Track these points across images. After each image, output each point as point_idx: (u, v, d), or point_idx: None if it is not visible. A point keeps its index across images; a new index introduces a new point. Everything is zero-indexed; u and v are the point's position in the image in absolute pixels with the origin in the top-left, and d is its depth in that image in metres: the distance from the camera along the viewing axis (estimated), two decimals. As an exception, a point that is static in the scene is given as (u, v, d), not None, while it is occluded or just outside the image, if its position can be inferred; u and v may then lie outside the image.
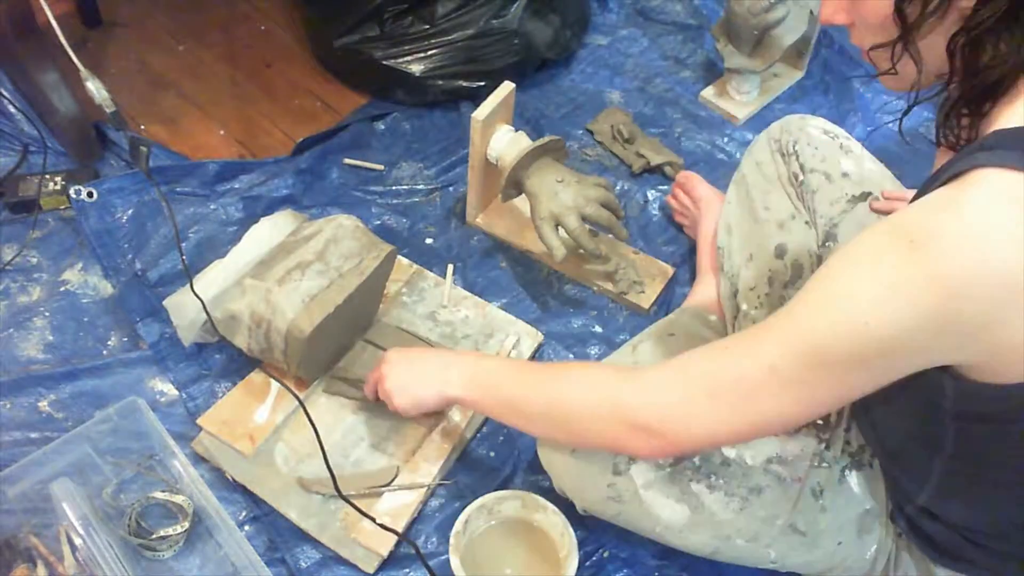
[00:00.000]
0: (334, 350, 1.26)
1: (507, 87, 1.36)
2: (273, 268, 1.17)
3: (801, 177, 1.17)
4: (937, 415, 0.77)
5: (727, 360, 0.78)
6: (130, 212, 1.45)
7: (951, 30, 0.73)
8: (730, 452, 0.94)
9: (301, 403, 1.18)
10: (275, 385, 1.23)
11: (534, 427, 0.97)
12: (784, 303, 1.08)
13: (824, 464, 0.95)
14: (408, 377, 1.05)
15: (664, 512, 0.95)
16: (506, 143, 1.36)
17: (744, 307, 1.17)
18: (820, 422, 0.97)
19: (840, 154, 1.16)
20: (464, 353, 1.09)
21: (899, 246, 0.67)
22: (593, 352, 1.36)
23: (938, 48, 0.74)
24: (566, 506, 1.07)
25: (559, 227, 1.33)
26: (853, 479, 0.96)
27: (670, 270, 1.44)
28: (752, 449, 0.94)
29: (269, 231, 1.26)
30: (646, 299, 1.40)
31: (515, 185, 1.37)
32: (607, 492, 0.97)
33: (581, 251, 1.36)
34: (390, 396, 1.06)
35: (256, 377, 1.24)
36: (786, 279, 1.14)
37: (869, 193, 1.13)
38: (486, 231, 1.50)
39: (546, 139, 1.34)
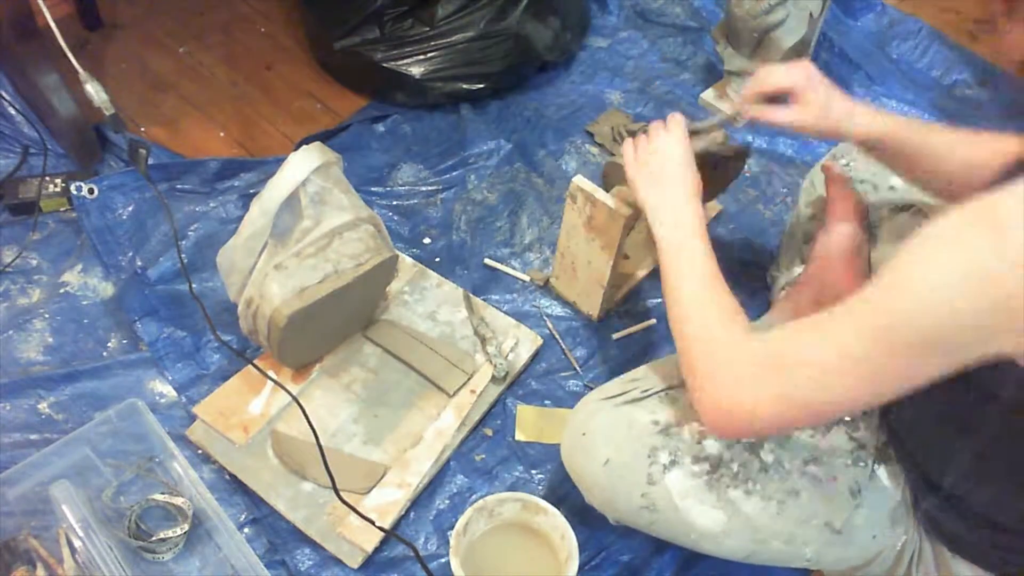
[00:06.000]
0: (321, 341, 1.27)
1: None
2: (277, 253, 1.15)
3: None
4: (985, 402, 0.76)
5: (800, 342, 0.76)
6: (131, 209, 1.45)
7: None
8: (768, 457, 0.94)
9: (295, 398, 1.18)
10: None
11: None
12: None
13: (860, 463, 0.95)
14: (658, 181, 1.03)
15: (700, 519, 0.94)
16: None
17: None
18: (849, 419, 0.98)
19: (891, 175, 1.20)
20: (691, 233, 0.97)
21: (983, 230, 0.65)
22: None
23: None
24: (567, 508, 1.07)
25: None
26: (882, 472, 0.96)
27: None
28: (788, 452, 0.94)
29: (302, 162, 1.15)
30: None
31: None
32: (640, 502, 0.96)
33: None
34: (643, 163, 1.06)
35: (254, 369, 1.25)
36: None
37: (912, 206, 1.16)
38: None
39: None
